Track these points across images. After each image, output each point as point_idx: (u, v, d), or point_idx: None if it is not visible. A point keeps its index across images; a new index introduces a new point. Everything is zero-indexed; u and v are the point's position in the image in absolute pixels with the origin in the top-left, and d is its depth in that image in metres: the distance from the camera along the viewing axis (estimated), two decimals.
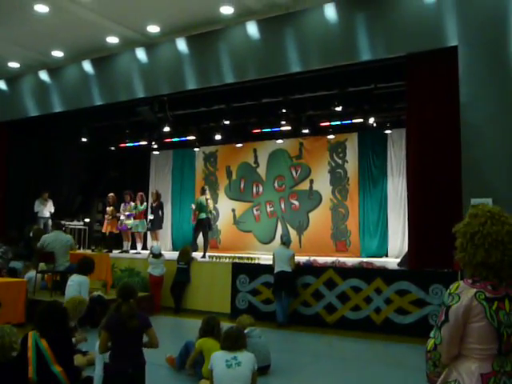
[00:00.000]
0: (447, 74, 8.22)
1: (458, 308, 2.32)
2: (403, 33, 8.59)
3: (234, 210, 15.20)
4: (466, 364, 2.35)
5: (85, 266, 8.22)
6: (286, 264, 9.00)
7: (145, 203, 13.79)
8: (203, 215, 12.02)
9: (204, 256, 11.55)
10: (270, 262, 9.37)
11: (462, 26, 8.01)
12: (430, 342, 2.41)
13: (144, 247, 14.21)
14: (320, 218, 13.72)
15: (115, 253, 12.96)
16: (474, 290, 2.35)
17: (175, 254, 11.14)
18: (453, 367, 2.39)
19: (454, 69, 7.96)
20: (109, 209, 13.78)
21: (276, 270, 9.05)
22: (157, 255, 10.75)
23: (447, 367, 2.40)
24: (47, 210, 13.59)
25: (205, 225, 12.20)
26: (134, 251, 13.43)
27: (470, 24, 7.95)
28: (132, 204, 13.66)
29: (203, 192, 12.34)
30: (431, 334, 2.41)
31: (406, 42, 8.60)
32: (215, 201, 15.21)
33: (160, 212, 13.54)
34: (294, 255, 9.21)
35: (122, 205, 13.72)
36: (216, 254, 11.29)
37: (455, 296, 2.35)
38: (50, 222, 12.80)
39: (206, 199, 12.16)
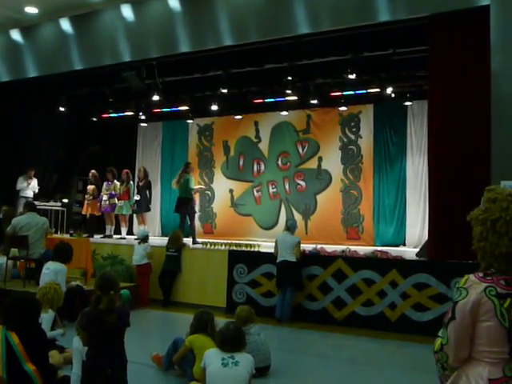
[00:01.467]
0: (477, 39, 8.16)
1: (465, 304, 2.31)
2: None
3: (231, 191, 15.28)
4: (477, 369, 2.32)
5: (62, 253, 8.22)
6: (290, 252, 9.05)
7: (131, 182, 13.78)
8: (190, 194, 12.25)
9: (195, 242, 11.67)
10: (272, 250, 9.42)
11: None
12: (437, 342, 2.40)
13: (129, 232, 14.28)
14: (329, 200, 13.79)
15: (97, 238, 13.05)
16: (485, 284, 2.32)
17: (165, 240, 11.22)
18: (462, 371, 2.37)
19: (485, 32, 7.86)
20: (90, 188, 13.83)
21: (279, 259, 9.12)
22: (140, 240, 10.79)
23: (456, 371, 2.39)
24: (31, 189, 13.73)
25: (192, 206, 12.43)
26: (118, 236, 13.48)
27: None
28: (116, 183, 13.69)
29: (190, 168, 12.55)
30: (439, 333, 2.40)
31: (429, 0, 8.53)
32: (210, 180, 15.42)
33: (147, 192, 13.58)
34: (299, 243, 9.26)
35: (105, 183, 13.73)
36: (211, 241, 11.27)
37: (463, 291, 2.33)
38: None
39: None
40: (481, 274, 2.37)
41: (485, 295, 2.30)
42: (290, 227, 9.48)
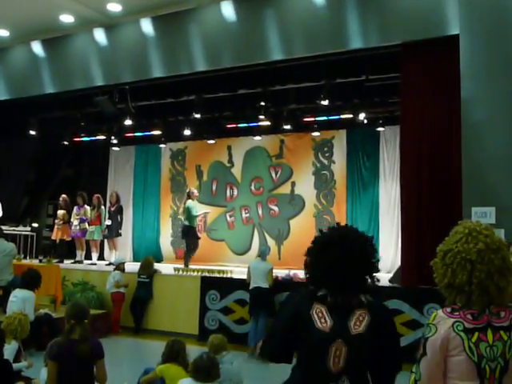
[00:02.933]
0: (447, 67, 8.27)
1: (435, 340, 2.32)
2: (398, 19, 8.65)
3: (206, 215, 15.07)
4: None
5: (30, 280, 8.13)
6: (262, 279, 9.06)
7: (102, 207, 13.74)
8: (195, 222, 12.35)
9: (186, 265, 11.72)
10: (245, 276, 9.42)
11: (465, 13, 8.00)
12: (411, 378, 2.40)
13: (100, 257, 14.24)
14: (302, 225, 13.73)
15: (67, 263, 12.92)
16: (452, 319, 2.34)
17: (136, 266, 11.17)
18: None
19: (455, 60, 7.96)
20: (60, 212, 13.72)
21: (251, 285, 9.11)
22: (115, 267, 10.87)
23: None
24: None
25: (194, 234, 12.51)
26: (89, 262, 13.38)
27: (474, 10, 7.93)
28: (86, 207, 13.61)
29: (193, 195, 12.56)
30: (413, 369, 2.41)
31: (401, 29, 8.66)
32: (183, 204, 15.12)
33: (119, 217, 13.58)
34: (271, 270, 9.28)
35: (75, 208, 13.65)
36: (182, 266, 11.24)
37: (432, 327, 2.35)
38: None
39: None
40: (448, 310, 2.39)
41: (453, 331, 2.31)
42: (262, 254, 9.51)
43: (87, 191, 14.05)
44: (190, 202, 12.28)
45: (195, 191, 12.95)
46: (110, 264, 12.42)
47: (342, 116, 12.30)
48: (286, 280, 9.59)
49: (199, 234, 13.04)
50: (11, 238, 12.18)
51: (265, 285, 9.02)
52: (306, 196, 13.94)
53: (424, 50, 8.55)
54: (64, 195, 13.91)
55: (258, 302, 9.07)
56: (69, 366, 4.26)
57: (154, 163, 16.05)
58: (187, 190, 13.12)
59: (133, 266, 11.82)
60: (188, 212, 12.11)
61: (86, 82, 11.52)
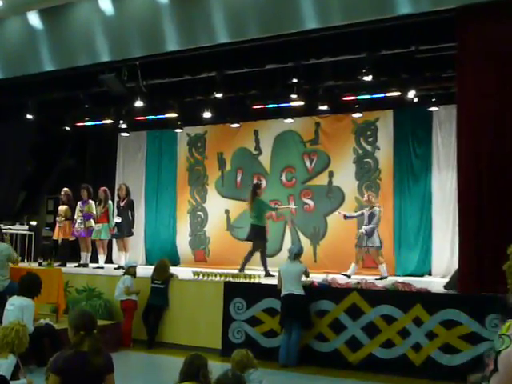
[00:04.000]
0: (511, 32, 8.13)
1: (509, 354, 2.29)
2: None
3: (227, 212, 15.26)
4: None
5: (29, 286, 8.16)
6: (295, 284, 9.09)
7: (109, 201, 13.76)
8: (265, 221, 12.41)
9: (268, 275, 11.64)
10: (275, 282, 9.44)
11: None
12: None
13: (108, 260, 14.31)
14: (342, 222, 13.46)
15: (70, 267, 12.97)
16: None
17: (149, 270, 11.19)
18: None
19: None
20: (62, 208, 13.78)
21: (283, 292, 9.11)
22: (125, 271, 10.88)
23: None
24: None
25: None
26: (95, 265, 13.43)
27: None
28: (91, 202, 13.67)
29: (260, 190, 12.66)
30: None
31: None
32: (203, 199, 15.45)
33: (129, 213, 13.53)
34: (306, 271, 9.34)
35: (79, 203, 13.72)
36: (203, 270, 11.18)
37: (505, 338, 2.32)
38: None
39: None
40: None
41: None
42: (293, 254, 9.47)
43: (92, 184, 14.09)
44: (260, 198, 12.45)
45: (263, 183, 13.35)
46: (119, 268, 12.45)
47: (388, 94, 12.22)
48: (323, 286, 9.58)
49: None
50: (7, 237, 12.16)
51: (298, 291, 9.06)
52: (345, 188, 13.86)
53: (485, 14, 8.44)
54: (66, 189, 13.98)
55: (290, 311, 9.07)
56: (75, 382, 4.29)
57: (170, 151, 16.01)
58: (254, 182, 13.34)
59: (145, 270, 11.83)
60: (260, 208, 12.18)
61: (90, 58, 11.53)
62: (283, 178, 14.60)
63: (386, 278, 11.13)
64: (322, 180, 14.17)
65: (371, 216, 11.72)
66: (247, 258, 12.09)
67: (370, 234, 11.57)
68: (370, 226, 11.60)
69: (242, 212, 14.69)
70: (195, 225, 15.52)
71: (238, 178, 15.21)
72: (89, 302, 10.57)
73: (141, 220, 15.61)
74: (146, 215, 16.06)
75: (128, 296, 10.51)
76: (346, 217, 12.27)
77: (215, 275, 10.57)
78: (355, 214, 12.40)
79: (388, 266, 12.67)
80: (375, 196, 12.40)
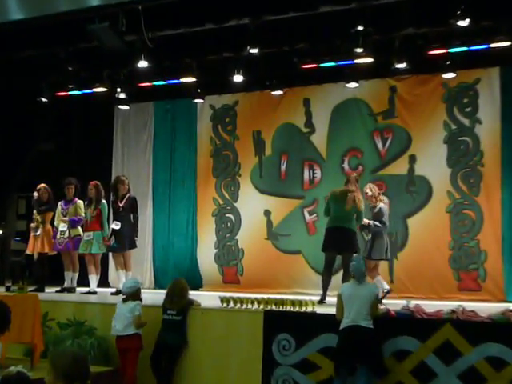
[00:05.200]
0: None
1: None
2: None
3: (268, 213, 14.58)
4: None
5: None
6: (363, 313, 8.55)
7: (103, 201, 13.08)
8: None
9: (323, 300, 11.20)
10: (334, 310, 8.96)
11: None
12: None
13: (103, 282, 13.80)
14: (429, 227, 13.16)
15: (50, 292, 12.60)
16: None
17: (160, 295, 10.76)
18: None
19: None
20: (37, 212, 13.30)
21: (344, 323, 8.61)
22: (127, 296, 10.15)
23: None
24: None
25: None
26: (85, 290, 12.84)
27: None
28: (79, 202, 13.15)
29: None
30: None
31: None
32: (234, 196, 15.01)
33: (131, 217, 12.89)
34: (377, 296, 8.96)
35: (61, 204, 13.21)
36: (235, 295, 10.42)
37: None
38: None
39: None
40: None
41: None
42: (360, 271, 8.98)
43: (80, 177, 13.70)
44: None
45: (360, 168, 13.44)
46: (118, 292, 11.87)
47: (493, 45, 11.69)
48: (402, 316, 8.98)
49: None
50: None
51: (366, 322, 8.51)
52: (433, 178, 13.33)
53: None
54: (43, 184, 13.37)
55: (354, 351, 8.57)
56: None
57: (187, 130, 15.57)
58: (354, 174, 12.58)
59: (154, 296, 11.84)
60: (357, 207, 11.53)
61: (73, 2, 11.10)
62: (345, 165, 14.02)
63: (389, 292, 11.29)
64: (399, 167, 13.65)
65: (378, 215, 11.62)
66: (326, 281, 11.53)
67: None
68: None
69: (288, 213, 14.40)
70: (223, 232, 14.95)
71: (283, 167, 14.57)
72: (76, 341, 10.02)
73: (147, 226, 15.32)
74: (155, 220, 15.64)
75: (136, 329, 9.94)
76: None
77: (251, 302, 9.91)
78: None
79: (495, 287, 12.60)
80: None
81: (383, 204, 11.77)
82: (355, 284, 8.92)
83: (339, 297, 8.84)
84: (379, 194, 11.97)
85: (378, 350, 8.62)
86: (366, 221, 11.50)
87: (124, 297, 10.22)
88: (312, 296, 10.94)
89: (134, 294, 10.09)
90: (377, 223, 11.53)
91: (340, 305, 8.75)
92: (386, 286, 11.33)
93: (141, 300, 10.20)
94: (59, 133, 16.44)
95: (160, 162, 15.86)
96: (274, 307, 9.74)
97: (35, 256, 13.25)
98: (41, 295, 11.03)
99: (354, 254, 10.76)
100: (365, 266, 9.28)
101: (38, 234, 13.17)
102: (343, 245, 11.47)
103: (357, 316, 8.54)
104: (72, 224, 13.05)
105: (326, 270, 11.56)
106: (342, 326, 8.61)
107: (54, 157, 16.00)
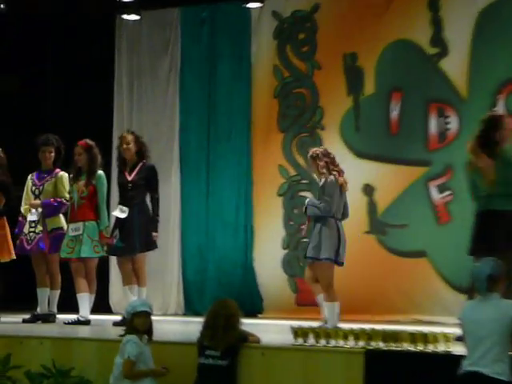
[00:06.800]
0: None
1: None
2: None
3: (370, 191, 11.66)
4: None
5: None
6: (488, 352, 6.53)
7: (99, 172, 10.27)
8: None
9: None
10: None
11: None
12: None
13: (101, 304, 11.56)
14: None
15: (11, 323, 10.35)
16: None
17: (193, 327, 8.41)
18: None
19: None
20: None
21: (463, 366, 6.52)
22: (126, 329, 7.85)
23: None
24: None
25: None
26: (72, 318, 10.11)
27: None
28: (60, 175, 10.45)
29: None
30: None
31: None
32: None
33: (146, 200, 10.20)
34: None
35: (32, 177, 10.57)
36: (317, 325, 8.34)
37: None
38: None
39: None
40: None
41: None
42: (483, 280, 6.59)
43: (61, 134, 10.84)
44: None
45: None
46: (122, 322, 9.23)
47: None
48: None
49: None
50: None
51: (492, 368, 6.44)
52: None
53: None
54: None
55: None
56: None
57: (234, 53, 12.60)
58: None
59: (183, 327, 10.37)
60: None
61: None
62: (499, 107, 10.97)
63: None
64: None
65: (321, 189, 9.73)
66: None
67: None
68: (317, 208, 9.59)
69: (403, 190, 11.65)
70: (296, 222, 11.84)
71: (394, 113, 11.54)
72: None
73: (173, 214, 12.41)
74: (185, 203, 12.51)
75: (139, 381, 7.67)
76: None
77: (345, 336, 7.59)
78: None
79: None
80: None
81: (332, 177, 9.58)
82: (479, 302, 7.00)
83: (461, 323, 7.06)
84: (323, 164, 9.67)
85: None
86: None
87: (125, 326, 7.93)
88: (444, 326, 8.86)
89: (129, 322, 7.67)
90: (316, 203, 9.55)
91: (465, 336, 7.03)
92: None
93: (147, 333, 7.48)
94: (27, 62, 13.58)
95: (192, 106, 12.63)
96: (381, 344, 7.42)
97: None
98: None
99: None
100: (497, 269, 6.94)
101: None
102: (501, 241, 8.62)
103: (480, 357, 6.60)
104: (49, 210, 10.25)
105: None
106: (459, 371, 6.73)
107: (18, 100, 13.53)
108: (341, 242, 9.09)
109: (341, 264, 9.11)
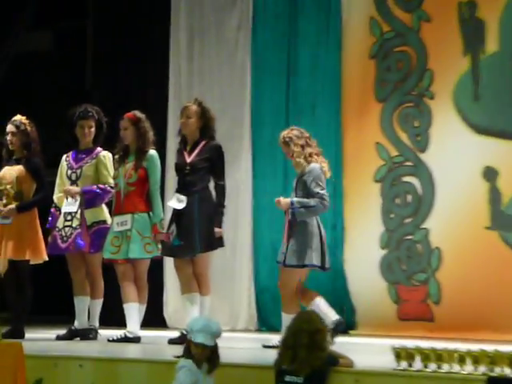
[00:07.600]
0: None
1: None
2: None
3: (492, 175, 10.57)
4: None
5: None
6: None
7: (151, 152, 9.36)
8: None
9: None
10: None
11: None
12: None
13: (154, 317, 10.86)
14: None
15: (41, 340, 9.51)
16: None
17: (261, 343, 8.60)
18: None
19: None
20: (8, 174, 9.53)
21: None
22: (185, 351, 6.96)
23: None
24: None
25: None
26: (119, 334, 9.29)
27: None
28: (102, 155, 9.60)
29: None
30: None
31: None
32: (422, 138, 11.19)
33: (209, 187, 9.28)
34: None
35: (68, 158, 9.70)
36: (425, 345, 6.71)
37: None
38: None
39: None
40: None
41: None
42: None
43: (103, 106, 10.17)
44: None
45: None
46: (180, 340, 8.55)
47: None
48: None
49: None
50: None
51: None
52: None
53: None
54: (20, 117, 9.70)
55: None
56: None
57: (318, 3, 11.28)
58: None
59: (256, 345, 9.16)
60: None
61: None
62: None
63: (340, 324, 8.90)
64: None
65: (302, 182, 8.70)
66: None
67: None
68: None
69: None
70: (400, 214, 10.80)
71: None
72: None
73: (243, 204, 11.53)
74: (258, 190, 11.41)
75: None
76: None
77: (461, 359, 6.22)
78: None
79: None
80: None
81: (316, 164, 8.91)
82: None
83: None
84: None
85: None
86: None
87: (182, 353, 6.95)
88: None
89: (186, 345, 6.76)
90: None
91: None
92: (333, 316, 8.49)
93: (208, 362, 6.49)
94: (63, 16, 12.73)
95: (266, 72, 11.35)
96: (507, 371, 6.08)
97: (1, 267, 9.16)
98: (26, 345, 7.77)
99: None
100: None
101: (7, 222, 9.13)
102: None
103: None
104: (89, 199, 9.22)
105: None
106: None
107: (51, 63, 12.69)
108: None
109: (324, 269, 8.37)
